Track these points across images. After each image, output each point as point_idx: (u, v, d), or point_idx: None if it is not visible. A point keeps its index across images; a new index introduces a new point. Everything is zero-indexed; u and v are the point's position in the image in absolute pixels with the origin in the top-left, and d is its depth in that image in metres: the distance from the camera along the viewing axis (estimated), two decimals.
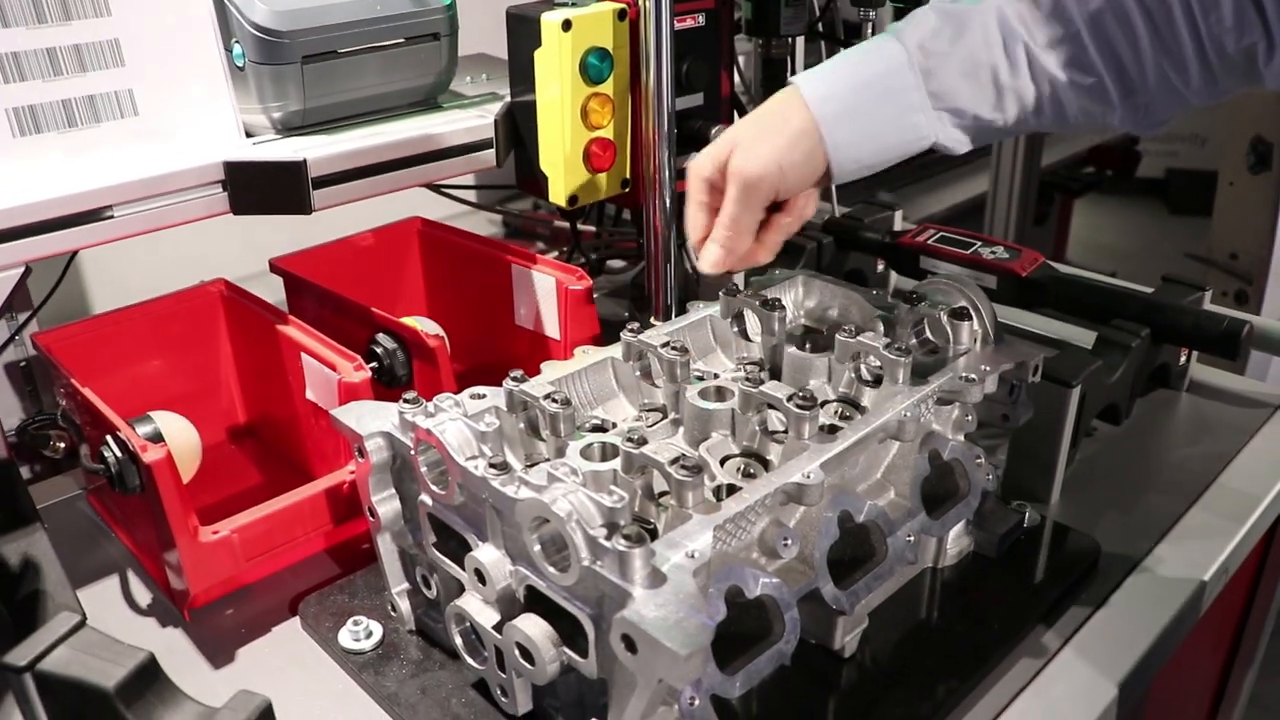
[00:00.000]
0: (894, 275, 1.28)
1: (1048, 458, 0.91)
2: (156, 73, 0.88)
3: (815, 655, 0.74)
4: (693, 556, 0.58)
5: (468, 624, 0.70)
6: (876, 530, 0.73)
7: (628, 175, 1.09)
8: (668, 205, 1.05)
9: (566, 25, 0.97)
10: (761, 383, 0.73)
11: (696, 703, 0.60)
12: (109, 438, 0.78)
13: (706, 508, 0.63)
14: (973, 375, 0.77)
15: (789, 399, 0.70)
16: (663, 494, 0.70)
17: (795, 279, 0.95)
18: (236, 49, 0.91)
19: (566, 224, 1.55)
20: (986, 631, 0.77)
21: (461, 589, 0.72)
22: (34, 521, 0.81)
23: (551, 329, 1.05)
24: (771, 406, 0.72)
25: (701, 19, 1.08)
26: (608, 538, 0.57)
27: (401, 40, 0.97)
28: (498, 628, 0.66)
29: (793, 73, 1.28)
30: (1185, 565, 0.85)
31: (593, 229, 1.44)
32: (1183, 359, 1.09)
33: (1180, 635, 0.81)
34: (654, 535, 0.66)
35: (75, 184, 0.80)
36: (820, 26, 1.22)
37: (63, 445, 0.93)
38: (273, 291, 1.07)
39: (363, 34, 0.94)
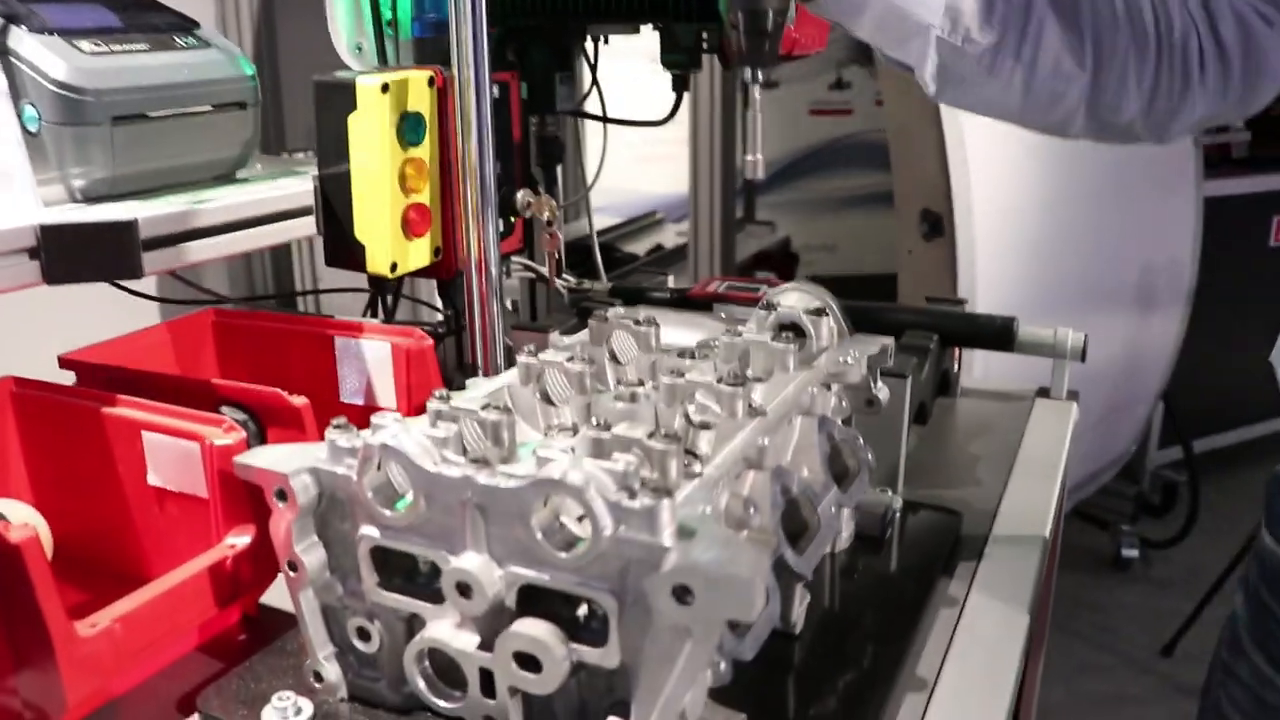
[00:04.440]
0: None
1: (893, 446, 0.99)
2: None
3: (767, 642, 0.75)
4: (708, 512, 0.59)
5: (428, 664, 0.65)
6: (807, 503, 0.76)
7: (439, 244, 1.08)
8: (494, 275, 1.05)
9: (385, 88, 0.97)
10: (683, 374, 0.75)
11: (723, 666, 0.59)
12: None
13: (690, 475, 0.64)
14: (848, 358, 0.84)
15: (719, 381, 0.72)
16: None
17: (635, 312, 0.98)
18: (29, 111, 0.83)
19: None
20: (904, 592, 0.82)
21: (410, 631, 0.66)
22: None
23: (386, 399, 1.01)
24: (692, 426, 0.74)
25: (496, 90, 1.12)
26: (630, 499, 0.56)
27: (209, 107, 0.93)
28: (484, 647, 0.61)
29: (565, 147, 1.34)
30: (1029, 517, 0.96)
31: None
32: (956, 367, 1.23)
33: (1047, 569, 0.91)
34: None
35: None
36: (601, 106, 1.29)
37: None
38: None
39: (173, 98, 0.89)
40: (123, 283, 1.20)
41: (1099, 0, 0.79)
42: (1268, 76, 0.83)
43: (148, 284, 1.86)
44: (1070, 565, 1.73)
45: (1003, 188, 2.05)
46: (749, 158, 1.01)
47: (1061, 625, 2.43)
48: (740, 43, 0.87)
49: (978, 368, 1.62)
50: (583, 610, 0.61)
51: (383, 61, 1.14)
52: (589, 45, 1.29)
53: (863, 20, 0.82)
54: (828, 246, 4.58)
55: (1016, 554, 0.89)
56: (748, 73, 0.90)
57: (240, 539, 0.76)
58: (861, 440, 0.85)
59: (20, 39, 0.83)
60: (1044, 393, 1.24)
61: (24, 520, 0.74)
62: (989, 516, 0.96)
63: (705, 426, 0.75)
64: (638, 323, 0.86)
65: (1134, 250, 2.45)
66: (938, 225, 1.96)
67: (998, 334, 1.12)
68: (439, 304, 1.86)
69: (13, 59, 0.82)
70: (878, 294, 1.38)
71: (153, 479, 0.81)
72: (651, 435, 0.63)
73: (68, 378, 0.93)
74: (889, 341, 0.89)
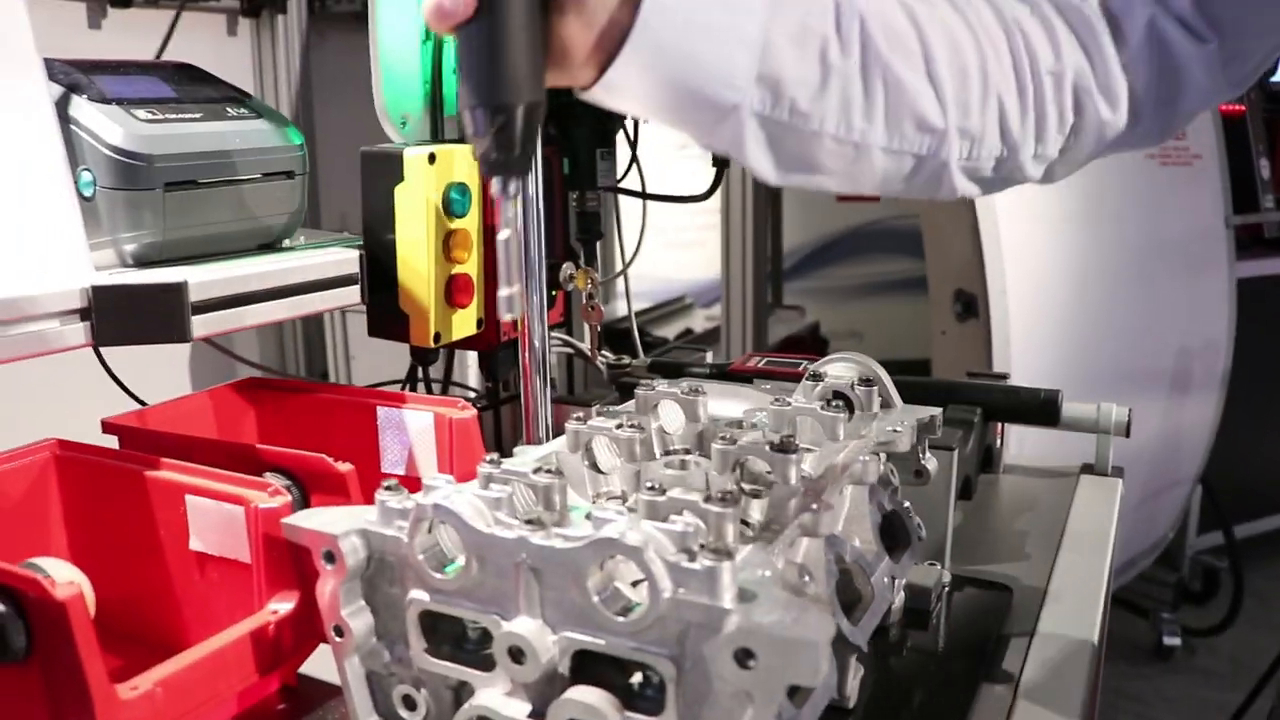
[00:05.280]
0: None
1: (939, 519, 0.97)
2: None
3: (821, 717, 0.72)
4: (768, 575, 0.57)
5: None
6: (859, 572, 0.74)
7: (482, 315, 1.09)
8: (538, 347, 1.05)
9: (431, 159, 0.98)
10: (735, 441, 0.74)
11: None
12: None
13: (744, 541, 0.62)
14: (898, 427, 0.83)
15: (770, 447, 0.71)
16: None
17: (679, 383, 0.97)
18: (85, 176, 0.84)
19: None
20: (956, 668, 0.79)
21: (458, 700, 0.65)
22: None
23: (428, 469, 1.00)
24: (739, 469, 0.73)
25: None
26: (690, 560, 0.54)
27: (259, 176, 0.94)
28: (535, 716, 0.59)
29: (603, 225, 1.35)
30: (1080, 593, 0.93)
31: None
32: (998, 442, 1.21)
33: (1099, 648, 0.88)
34: None
35: None
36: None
37: None
38: None
39: (223, 165, 0.90)
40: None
41: (955, 46, 0.68)
42: (1187, 99, 0.72)
43: (182, 356, 1.89)
44: (1110, 654, 1.68)
45: (1036, 268, 2.05)
46: (502, 293, 0.72)
47: (1103, 716, 2.36)
48: (482, 148, 0.65)
49: (1014, 444, 1.59)
50: (637, 678, 0.59)
51: (432, 135, 1.16)
52: (629, 123, 1.31)
53: (654, 109, 0.67)
54: (855, 333, 4.58)
55: (1070, 631, 0.86)
56: (496, 184, 0.67)
57: (283, 605, 0.75)
58: (910, 508, 0.84)
59: (80, 107, 0.84)
60: (1088, 469, 1.22)
61: (68, 579, 0.73)
62: (1039, 593, 0.93)
63: (757, 495, 0.74)
64: (684, 392, 0.86)
65: (1169, 332, 2.44)
66: (971, 305, 1.96)
67: (1041, 408, 1.11)
68: (469, 381, 1.87)
69: (72, 126, 0.84)
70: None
71: (195, 544, 0.80)
72: (708, 499, 0.62)
73: (110, 443, 0.93)
74: (937, 412, 0.88)
